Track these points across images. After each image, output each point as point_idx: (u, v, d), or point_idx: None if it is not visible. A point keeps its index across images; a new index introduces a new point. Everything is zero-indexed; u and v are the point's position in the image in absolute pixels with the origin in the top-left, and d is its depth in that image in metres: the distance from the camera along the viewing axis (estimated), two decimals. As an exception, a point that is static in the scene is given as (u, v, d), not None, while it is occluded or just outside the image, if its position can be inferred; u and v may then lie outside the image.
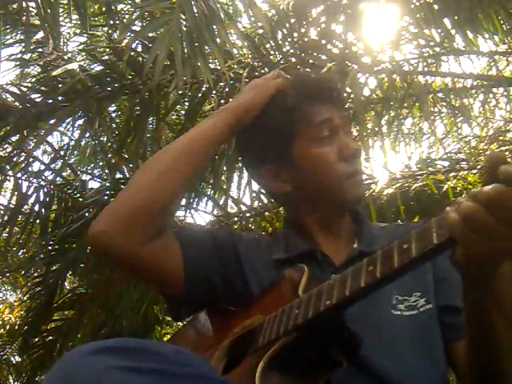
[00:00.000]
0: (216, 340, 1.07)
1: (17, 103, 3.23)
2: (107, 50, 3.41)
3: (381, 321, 1.06)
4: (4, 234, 4.14)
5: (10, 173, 3.58)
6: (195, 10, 2.42)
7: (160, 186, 1.08)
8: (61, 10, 3.29)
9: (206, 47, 2.54)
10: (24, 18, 3.02)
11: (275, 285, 1.07)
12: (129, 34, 3.17)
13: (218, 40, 2.50)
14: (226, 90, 3.22)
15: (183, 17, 2.40)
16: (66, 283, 4.37)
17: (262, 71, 3.15)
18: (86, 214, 3.60)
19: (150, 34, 2.99)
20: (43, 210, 3.67)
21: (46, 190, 3.68)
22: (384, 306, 1.07)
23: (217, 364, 1.01)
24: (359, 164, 1.20)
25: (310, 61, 3.25)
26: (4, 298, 7.29)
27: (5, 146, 3.64)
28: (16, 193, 3.59)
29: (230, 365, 0.99)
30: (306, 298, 0.91)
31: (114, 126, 4.18)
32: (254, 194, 3.72)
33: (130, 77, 3.11)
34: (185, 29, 2.39)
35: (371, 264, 0.82)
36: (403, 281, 1.04)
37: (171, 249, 1.12)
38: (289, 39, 3.31)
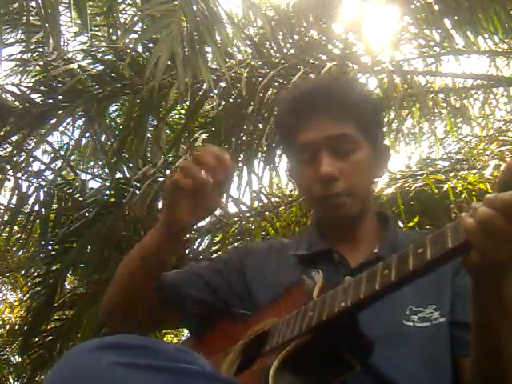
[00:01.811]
0: (230, 342, 1.08)
1: (17, 103, 3.23)
2: (107, 49, 3.41)
3: (391, 331, 1.04)
4: (4, 234, 4.14)
5: (10, 173, 3.58)
6: (195, 12, 2.42)
7: (123, 300, 1.20)
8: (61, 9, 3.29)
9: (207, 48, 2.54)
10: (24, 17, 3.02)
11: (290, 289, 1.08)
12: (130, 35, 3.18)
13: (219, 40, 2.50)
14: (227, 90, 3.22)
15: (184, 18, 2.40)
16: (65, 283, 4.37)
17: (262, 71, 3.15)
18: (86, 214, 3.61)
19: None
20: (43, 210, 3.67)
21: (45, 189, 3.68)
22: (396, 315, 1.06)
23: (231, 365, 1.01)
24: (335, 187, 1.13)
25: (310, 61, 3.26)
26: (4, 298, 7.30)
27: (5, 146, 3.65)
28: (16, 193, 3.59)
29: (244, 365, 0.99)
30: (320, 301, 0.92)
31: (114, 125, 4.19)
32: (254, 194, 3.73)
33: (130, 77, 3.11)
34: (185, 30, 2.39)
35: (386, 268, 0.83)
36: (419, 291, 1.04)
37: (164, 312, 1.25)
38: (289, 40, 3.32)
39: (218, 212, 4.19)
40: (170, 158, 3.67)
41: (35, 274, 4.07)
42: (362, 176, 1.18)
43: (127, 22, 3.51)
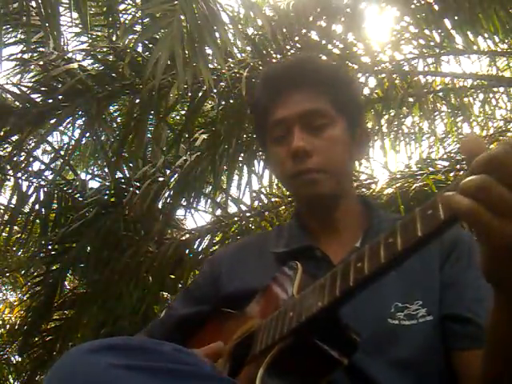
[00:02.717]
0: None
1: (17, 103, 3.23)
2: (108, 50, 3.41)
3: (376, 330, 1.00)
4: (4, 234, 4.15)
5: (10, 173, 3.58)
6: (196, 11, 2.42)
7: None
8: (61, 9, 3.29)
9: (207, 48, 2.54)
10: (24, 17, 3.02)
11: (271, 285, 1.06)
12: (130, 35, 3.18)
13: (219, 40, 2.50)
14: (227, 90, 3.22)
15: (184, 18, 2.40)
16: (65, 283, 4.38)
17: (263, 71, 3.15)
18: (86, 214, 3.61)
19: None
20: (43, 210, 3.67)
21: (45, 189, 3.68)
22: (381, 313, 1.02)
23: (222, 369, 1.01)
24: (307, 163, 1.10)
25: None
26: (4, 297, 7.30)
27: (5, 146, 3.65)
28: (16, 193, 3.60)
29: (233, 371, 0.99)
30: (299, 300, 0.90)
31: (114, 125, 4.19)
32: (254, 194, 3.73)
33: (130, 77, 3.11)
34: (185, 30, 2.39)
35: (359, 260, 0.78)
36: (405, 286, 1.01)
37: None
38: (289, 40, 3.31)
39: (218, 212, 4.20)
40: (172, 159, 3.67)
41: (35, 273, 4.08)
42: (336, 152, 1.14)
43: (127, 21, 3.50)
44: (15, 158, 3.56)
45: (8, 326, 6.27)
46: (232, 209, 4.35)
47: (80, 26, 3.51)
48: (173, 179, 3.62)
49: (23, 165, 3.65)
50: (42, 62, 3.40)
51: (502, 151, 0.62)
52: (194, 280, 1.34)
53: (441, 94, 4.06)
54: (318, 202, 1.15)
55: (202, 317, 1.19)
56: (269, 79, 1.21)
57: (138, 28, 3.31)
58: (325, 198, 1.13)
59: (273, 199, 3.96)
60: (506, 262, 0.66)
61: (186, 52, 2.44)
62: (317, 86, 1.15)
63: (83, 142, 4.01)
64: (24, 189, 3.58)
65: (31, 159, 3.75)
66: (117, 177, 3.83)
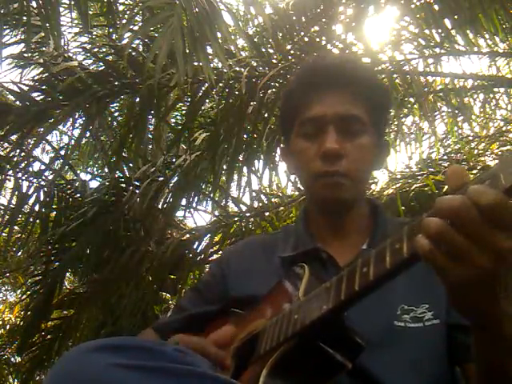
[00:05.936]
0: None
1: (17, 102, 3.23)
2: (107, 48, 3.41)
3: (382, 332, 1.00)
4: (4, 234, 4.15)
5: (10, 173, 3.58)
6: (194, 6, 2.41)
7: None
8: (62, 9, 3.29)
9: (207, 44, 2.53)
10: (25, 17, 3.01)
11: (278, 287, 1.06)
12: (129, 32, 3.17)
13: (219, 36, 2.49)
14: (226, 89, 3.22)
15: (183, 12, 2.39)
16: (65, 282, 4.38)
17: (262, 71, 3.15)
18: (86, 213, 3.61)
19: (151, 33, 2.99)
20: (43, 210, 3.67)
21: (45, 189, 3.68)
22: (387, 315, 1.02)
23: (226, 370, 1.01)
24: (337, 165, 1.09)
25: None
26: (4, 298, 7.30)
27: (5, 146, 3.65)
28: (16, 193, 3.60)
29: (237, 371, 0.99)
30: (304, 303, 0.90)
31: (114, 124, 4.19)
32: (254, 194, 3.73)
33: (130, 76, 3.10)
34: (185, 24, 2.38)
35: (365, 265, 0.79)
36: (412, 289, 1.01)
37: None
38: (288, 38, 3.31)
39: (218, 212, 4.20)
40: (174, 159, 3.68)
41: (34, 273, 4.08)
42: (363, 161, 1.14)
43: (127, 16, 3.50)
44: (15, 158, 3.56)
45: (8, 326, 6.28)
46: (232, 209, 4.36)
47: (80, 25, 3.51)
48: (173, 179, 3.62)
49: (23, 165, 3.65)
50: (42, 60, 3.40)
51: (462, 203, 0.66)
52: (203, 280, 1.34)
53: (441, 94, 4.06)
54: (335, 206, 1.14)
55: (210, 316, 1.19)
56: (306, 73, 1.19)
57: (137, 27, 3.31)
58: (343, 203, 1.14)
59: (273, 199, 3.97)
60: (466, 297, 0.73)
61: (187, 48, 2.43)
62: (357, 90, 1.13)
63: (83, 142, 4.01)
64: (24, 189, 3.58)
65: (31, 159, 3.75)
66: (117, 176, 3.83)
